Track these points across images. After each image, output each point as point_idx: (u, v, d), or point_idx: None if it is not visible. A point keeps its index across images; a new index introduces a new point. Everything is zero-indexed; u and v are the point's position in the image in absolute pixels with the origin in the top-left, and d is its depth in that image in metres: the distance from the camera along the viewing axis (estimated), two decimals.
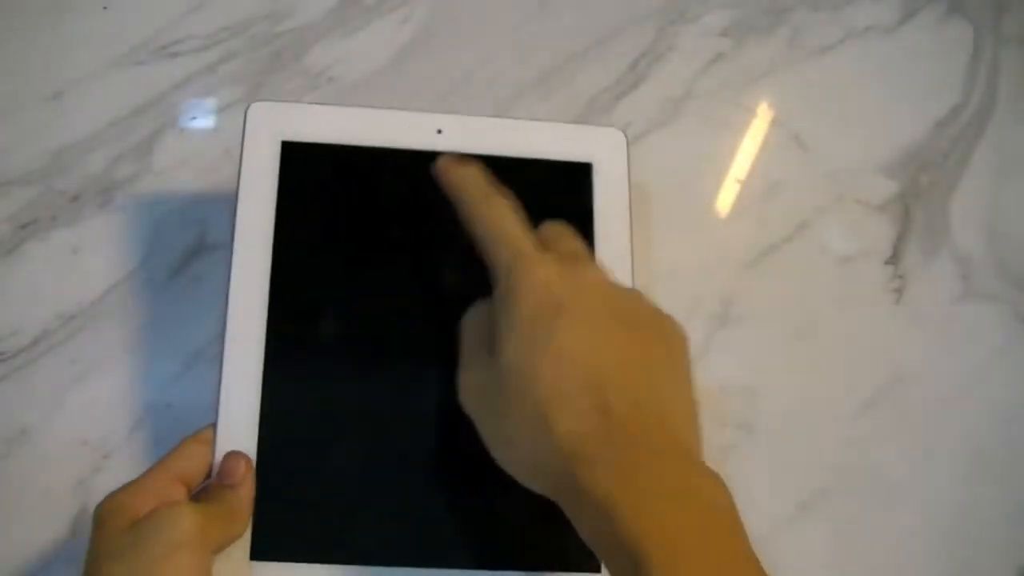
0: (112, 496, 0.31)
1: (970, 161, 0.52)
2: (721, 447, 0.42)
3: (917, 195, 0.50)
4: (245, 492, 0.33)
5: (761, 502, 0.41)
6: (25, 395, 0.42)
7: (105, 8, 0.54)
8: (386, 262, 0.39)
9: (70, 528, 0.39)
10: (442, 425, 0.36)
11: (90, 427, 0.41)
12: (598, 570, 0.35)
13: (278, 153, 0.39)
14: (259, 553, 0.33)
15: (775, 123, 0.52)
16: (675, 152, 0.51)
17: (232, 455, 0.33)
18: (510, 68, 0.53)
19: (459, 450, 0.35)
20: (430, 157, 0.37)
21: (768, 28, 0.56)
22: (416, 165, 0.38)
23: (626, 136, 0.42)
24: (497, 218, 0.33)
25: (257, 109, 0.40)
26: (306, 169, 0.39)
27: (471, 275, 0.35)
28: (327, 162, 0.40)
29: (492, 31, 0.55)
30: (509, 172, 0.37)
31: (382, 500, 0.35)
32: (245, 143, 0.40)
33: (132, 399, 0.42)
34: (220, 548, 0.32)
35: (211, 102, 0.51)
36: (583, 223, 0.39)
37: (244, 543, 0.33)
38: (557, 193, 0.41)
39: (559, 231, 0.36)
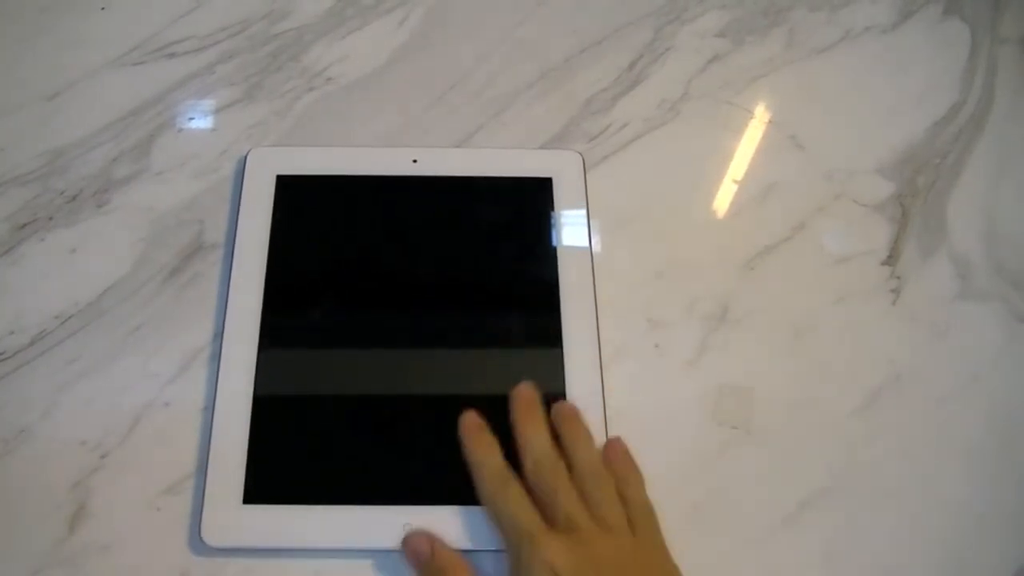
0: None
1: (967, 161, 0.52)
2: (720, 447, 0.42)
3: (914, 195, 0.50)
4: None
5: (760, 502, 0.41)
6: (23, 395, 0.42)
7: (103, 9, 0.55)
8: (366, 267, 0.45)
9: (68, 528, 0.39)
10: (409, 397, 0.41)
11: (88, 427, 0.41)
12: None
13: (273, 182, 0.46)
14: (250, 497, 0.38)
15: (772, 123, 0.52)
16: (672, 152, 0.51)
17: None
18: (507, 68, 0.54)
19: (422, 411, 0.41)
20: (407, 181, 0.46)
21: (765, 29, 0.56)
22: (394, 188, 0.46)
23: (582, 156, 0.48)
24: (511, 502, 0.36)
25: (256, 153, 0.47)
26: (298, 195, 0.46)
27: (437, 277, 0.44)
28: (317, 189, 0.46)
29: (490, 31, 0.55)
30: (482, 188, 0.47)
31: (355, 453, 0.40)
32: (245, 179, 0.46)
33: (130, 399, 0.42)
34: None
35: (209, 102, 0.51)
36: (546, 223, 0.46)
37: (237, 490, 0.38)
38: (525, 200, 0.47)
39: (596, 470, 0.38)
